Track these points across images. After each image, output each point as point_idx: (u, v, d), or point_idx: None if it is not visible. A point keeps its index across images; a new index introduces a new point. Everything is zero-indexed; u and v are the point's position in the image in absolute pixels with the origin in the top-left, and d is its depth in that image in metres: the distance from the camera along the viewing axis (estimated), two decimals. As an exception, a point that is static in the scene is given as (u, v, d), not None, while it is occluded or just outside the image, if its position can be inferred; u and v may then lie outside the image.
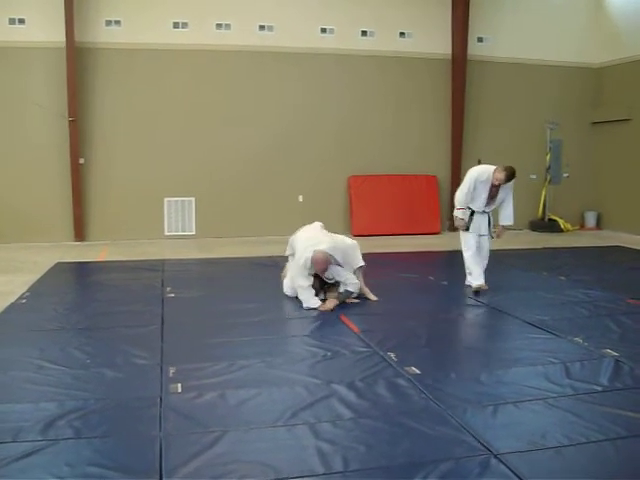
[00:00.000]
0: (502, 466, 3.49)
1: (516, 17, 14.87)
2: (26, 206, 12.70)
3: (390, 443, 3.79)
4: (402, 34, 14.37)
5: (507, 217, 8.16)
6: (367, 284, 7.71)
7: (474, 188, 7.98)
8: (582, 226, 15.62)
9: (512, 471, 3.42)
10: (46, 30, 12.46)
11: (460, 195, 8.09)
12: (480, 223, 8.15)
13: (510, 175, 7.82)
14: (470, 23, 14.31)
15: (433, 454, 3.65)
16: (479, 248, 8.20)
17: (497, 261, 10.50)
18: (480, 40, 14.75)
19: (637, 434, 3.91)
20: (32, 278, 8.86)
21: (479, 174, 7.96)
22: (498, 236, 8.33)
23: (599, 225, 15.60)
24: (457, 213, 8.19)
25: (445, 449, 3.72)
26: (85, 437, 3.85)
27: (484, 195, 7.99)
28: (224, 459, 3.57)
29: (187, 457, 3.57)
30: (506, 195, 8.09)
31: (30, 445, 3.70)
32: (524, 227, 15.32)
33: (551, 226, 14.98)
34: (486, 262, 8.29)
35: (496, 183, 7.87)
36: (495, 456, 3.59)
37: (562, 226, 14.94)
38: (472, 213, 8.15)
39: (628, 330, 6.26)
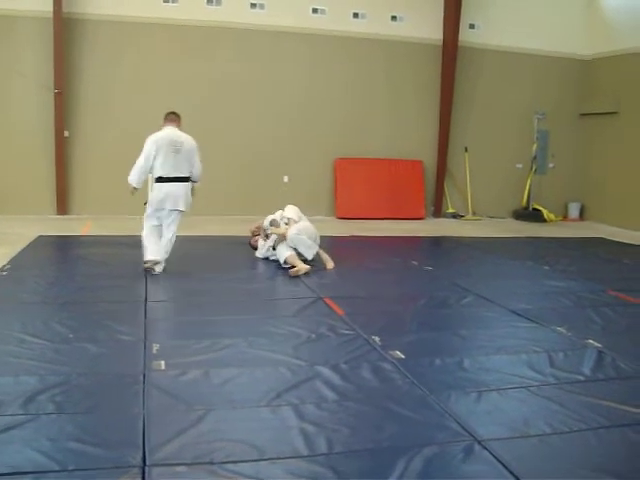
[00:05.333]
0: (486, 452, 3.50)
1: (509, 5, 14.83)
2: (9, 178, 12.54)
3: (374, 426, 3.79)
4: (394, 18, 14.29)
5: None
6: (347, 265, 7.80)
7: None
8: (565, 217, 15.69)
9: (496, 458, 3.43)
10: (33, -1, 12.26)
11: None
12: None
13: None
14: (462, 9, 14.24)
15: (417, 438, 3.65)
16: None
17: (481, 249, 10.59)
18: (472, 27, 14.71)
19: (619, 424, 3.92)
20: (13, 250, 8.76)
21: None
22: None
23: (582, 216, 15.68)
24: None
25: (429, 434, 3.72)
26: (67, 412, 3.81)
27: None
28: (208, 438, 3.55)
29: (170, 435, 3.54)
30: None
31: (11, 419, 3.66)
32: (507, 216, 15.39)
33: (535, 216, 15.03)
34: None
35: None
36: (479, 442, 3.60)
37: (545, 216, 14.99)
38: None
39: (610, 321, 6.31)
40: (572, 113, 15.57)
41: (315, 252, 8.32)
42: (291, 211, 8.75)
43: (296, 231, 8.23)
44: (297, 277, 7.72)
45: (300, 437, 3.60)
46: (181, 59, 13.23)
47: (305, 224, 8.53)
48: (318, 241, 8.52)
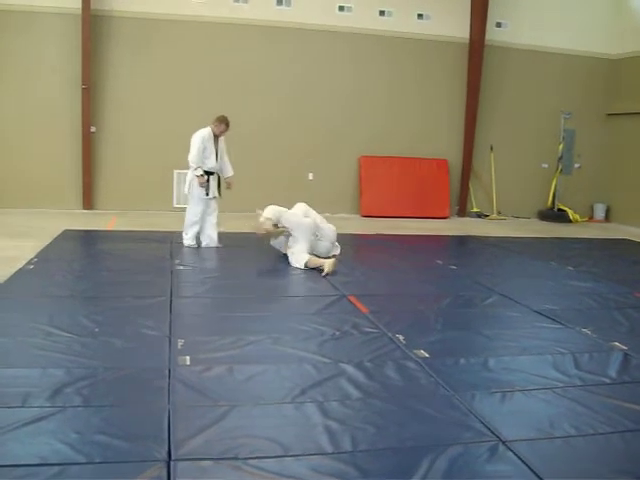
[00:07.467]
0: (510, 453, 3.48)
1: (536, 3, 14.75)
2: (36, 172, 12.69)
3: (399, 425, 3.78)
4: (420, 15, 14.25)
5: (229, 170, 9.40)
6: (371, 263, 7.74)
7: (204, 148, 8.95)
8: (591, 218, 15.57)
9: (520, 458, 3.41)
10: (62, -5, 12.38)
11: (196, 156, 8.90)
12: (214, 185, 9.26)
13: (227, 120, 9.03)
14: (489, 7, 14.18)
15: (441, 438, 3.64)
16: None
17: (506, 249, 10.54)
18: (498, 25, 14.64)
19: (646, 428, 3.89)
20: (40, 244, 8.86)
21: (204, 133, 8.96)
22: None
23: (608, 217, 15.54)
24: (197, 172, 8.99)
25: (453, 434, 3.71)
26: (93, 405, 3.84)
27: (213, 153, 9.04)
28: (233, 433, 3.57)
29: (196, 430, 3.57)
30: (223, 149, 9.24)
31: (38, 411, 3.70)
32: (532, 216, 15.29)
33: (560, 216, 14.93)
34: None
35: (219, 134, 9.10)
36: (503, 443, 3.58)
37: (571, 217, 14.89)
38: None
39: (636, 324, 6.23)
40: (599, 113, 15.44)
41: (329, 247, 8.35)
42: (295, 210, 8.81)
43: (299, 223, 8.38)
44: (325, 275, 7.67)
45: (324, 434, 3.60)
46: (207, 56, 13.30)
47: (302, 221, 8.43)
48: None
